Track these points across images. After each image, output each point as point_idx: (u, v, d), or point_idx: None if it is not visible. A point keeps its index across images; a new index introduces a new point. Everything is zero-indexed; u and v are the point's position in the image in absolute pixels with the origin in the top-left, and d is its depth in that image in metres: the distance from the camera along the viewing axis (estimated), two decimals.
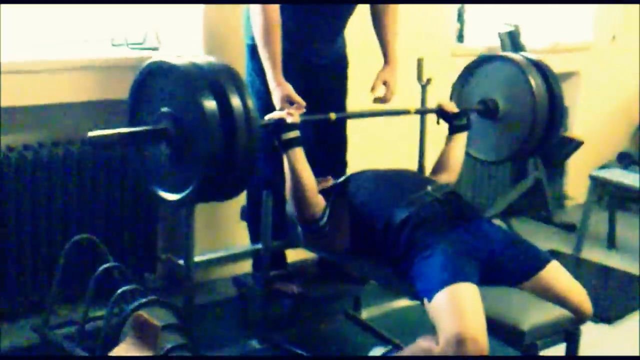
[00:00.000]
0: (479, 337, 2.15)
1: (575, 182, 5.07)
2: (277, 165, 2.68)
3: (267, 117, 2.61)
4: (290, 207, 2.73)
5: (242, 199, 3.04)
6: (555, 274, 2.48)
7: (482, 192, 4.59)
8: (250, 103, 2.33)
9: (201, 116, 2.24)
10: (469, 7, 4.46)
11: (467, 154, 3.16)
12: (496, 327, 2.28)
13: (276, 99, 2.76)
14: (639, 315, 3.54)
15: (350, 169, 3.08)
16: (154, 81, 2.42)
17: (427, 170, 3.20)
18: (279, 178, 2.71)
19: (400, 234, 2.50)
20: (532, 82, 3.09)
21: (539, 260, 2.51)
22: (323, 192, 2.70)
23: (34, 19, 3.15)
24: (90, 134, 2.27)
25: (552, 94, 3.12)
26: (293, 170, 2.60)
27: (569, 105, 4.80)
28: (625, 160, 5.12)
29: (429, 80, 3.34)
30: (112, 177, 3.19)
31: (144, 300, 2.41)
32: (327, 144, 3.14)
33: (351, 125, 3.26)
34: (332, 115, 2.83)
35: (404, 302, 3.30)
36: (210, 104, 2.25)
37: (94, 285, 2.59)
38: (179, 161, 2.37)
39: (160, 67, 2.40)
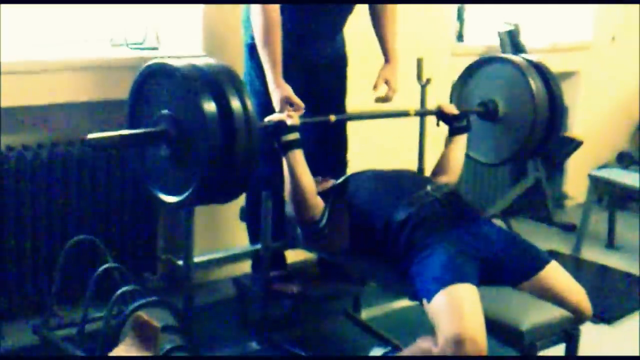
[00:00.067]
0: (478, 338, 2.15)
1: (575, 182, 5.07)
2: (277, 165, 2.68)
3: (267, 119, 2.61)
4: (289, 208, 2.73)
5: (241, 199, 3.04)
6: (555, 274, 2.48)
7: (481, 192, 4.59)
8: (250, 105, 2.32)
9: (201, 118, 2.24)
10: (468, 7, 4.46)
11: (467, 156, 3.16)
12: (495, 328, 2.28)
13: (275, 100, 2.76)
14: (639, 316, 3.54)
15: (350, 170, 3.08)
16: (154, 83, 2.42)
17: (427, 172, 3.20)
18: (278, 179, 2.71)
19: (399, 234, 2.50)
20: (532, 84, 3.09)
21: (538, 260, 2.51)
22: (322, 193, 2.70)
23: (33, 19, 3.15)
24: (90, 136, 2.27)
25: (552, 96, 3.12)
26: (292, 173, 2.60)
27: (569, 105, 4.80)
28: (625, 160, 5.12)
29: (428, 80, 3.34)
30: (111, 177, 3.19)
31: (143, 301, 2.41)
32: (327, 143, 3.14)
33: (351, 126, 3.26)
34: (332, 117, 2.82)
35: (403, 303, 3.30)
36: (210, 106, 2.25)
37: (94, 286, 2.59)
38: (178, 163, 2.37)
39: (160, 69, 2.40)
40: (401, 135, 3.60)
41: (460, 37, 4.44)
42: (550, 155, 4.58)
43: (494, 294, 2.40)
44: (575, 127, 5.02)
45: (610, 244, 4.50)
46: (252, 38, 2.85)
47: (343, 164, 3.25)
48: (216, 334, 3.09)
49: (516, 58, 3.24)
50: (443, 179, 2.91)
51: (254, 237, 3.16)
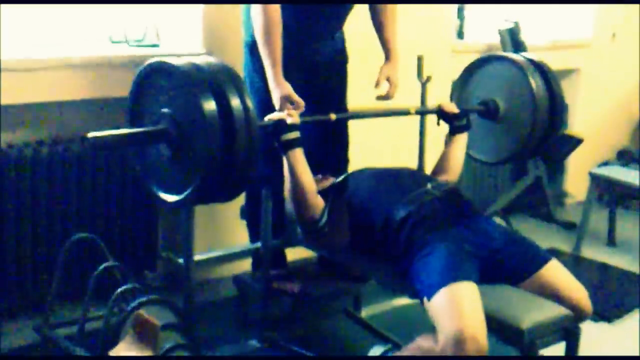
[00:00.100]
0: (479, 336, 2.15)
1: (575, 180, 5.07)
2: (276, 163, 2.68)
3: (267, 117, 2.61)
4: (289, 206, 2.73)
5: (241, 198, 3.04)
6: (555, 272, 2.48)
7: (482, 190, 4.59)
8: (250, 104, 2.32)
9: (201, 117, 2.24)
10: (469, 4, 4.45)
11: (468, 155, 3.16)
12: (496, 326, 2.28)
13: (275, 99, 2.76)
14: (639, 314, 3.54)
15: (351, 168, 3.08)
16: (154, 82, 2.42)
17: (427, 171, 3.20)
18: (278, 177, 2.71)
19: (399, 232, 2.50)
20: (533, 83, 3.08)
21: (538, 258, 2.51)
22: (322, 192, 2.70)
23: (33, 16, 3.14)
24: (90, 135, 2.27)
25: (553, 95, 3.11)
26: (293, 172, 2.60)
27: (569, 103, 4.80)
28: (625, 157, 5.14)
29: (429, 78, 3.34)
30: (112, 175, 3.19)
31: (143, 299, 2.40)
32: (328, 141, 3.14)
33: (351, 125, 3.25)
34: (333, 116, 2.82)
35: (403, 301, 3.30)
36: (210, 105, 2.25)
37: (94, 284, 2.59)
38: (178, 162, 2.37)
39: (160, 68, 2.39)
40: (401, 133, 3.60)
41: (460, 35, 4.44)
42: (551, 153, 4.57)
43: (494, 292, 2.40)
44: (575, 124, 5.02)
45: (611, 242, 4.50)
46: (252, 36, 2.85)
47: (344, 161, 3.25)
48: (216, 333, 3.09)
49: (517, 57, 3.24)
50: (443, 178, 2.90)
51: (254, 236, 3.17)
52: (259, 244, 2.95)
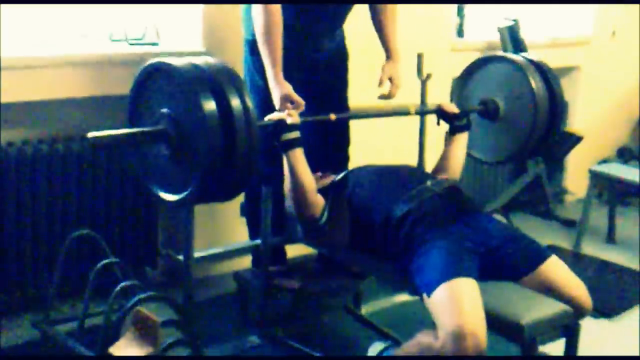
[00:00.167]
0: (478, 332, 2.15)
1: (575, 177, 5.07)
2: (276, 161, 2.68)
3: (267, 117, 2.61)
4: (289, 204, 2.73)
5: (241, 195, 3.04)
6: (555, 269, 2.48)
7: (482, 187, 4.59)
8: (250, 103, 2.32)
9: (200, 117, 2.24)
10: (468, 3, 4.45)
11: (468, 155, 3.16)
12: (496, 322, 2.28)
13: (276, 98, 2.76)
14: (639, 310, 3.55)
15: (350, 166, 3.08)
16: (154, 82, 2.42)
17: (427, 171, 3.19)
18: (277, 174, 2.71)
19: (399, 229, 2.51)
20: (533, 83, 3.09)
21: (538, 255, 2.51)
22: (322, 190, 2.70)
23: (32, 14, 3.14)
24: (90, 134, 2.27)
25: (553, 95, 3.11)
26: (293, 172, 2.60)
27: (569, 101, 4.80)
28: (625, 155, 5.14)
29: (428, 76, 3.34)
30: (111, 172, 3.19)
31: (143, 295, 2.40)
32: (329, 138, 3.14)
33: (351, 123, 3.25)
34: (333, 116, 2.82)
35: (403, 298, 3.30)
36: (210, 105, 2.25)
37: (94, 281, 2.59)
38: (178, 162, 2.37)
39: (160, 68, 2.39)
40: (401, 133, 3.60)
41: (460, 33, 4.44)
42: (551, 151, 4.57)
43: (495, 288, 2.40)
44: (575, 122, 5.01)
45: (611, 239, 4.50)
46: (253, 34, 2.85)
47: (345, 159, 3.25)
48: (216, 329, 3.09)
49: (517, 57, 3.24)
50: (444, 177, 2.90)
51: (254, 233, 3.17)
52: (258, 241, 2.95)
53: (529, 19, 4.66)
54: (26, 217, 3.00)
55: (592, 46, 5.10)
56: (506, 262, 2.48)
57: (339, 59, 3.18)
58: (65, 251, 2.76)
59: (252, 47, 2.93)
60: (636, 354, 3.13)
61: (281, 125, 2.59)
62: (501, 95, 3.20)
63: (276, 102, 2.76)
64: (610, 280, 3.95)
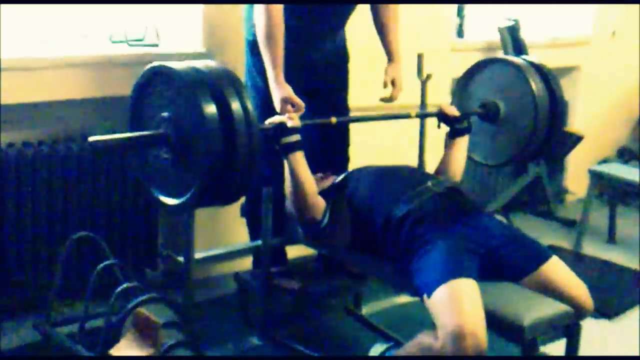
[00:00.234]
0: (478, 332, 2.15)
1: (576, 177, 5.07)
2: (277, 162, 2.68)
3: (268, 121, 2.61)
4: (289, 204, 2.73)
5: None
6: (556, 269, 2.48)
7: (482, 187, 4.59)
8: (251, 107, 2.32)
9: (201, 121, 2.24)
10: (469, 3, 4.45)
11: (469, 158, 3.16)
12: (497, 323, 2.28)
13: (276, 100, 2.76)
14: (639, 311, 3.55)
15: (350, 167, 3.08)
16: (155, 86, 2.42)
17: None
18: (277, 174, 2.71)
19: (400, 229, 2.50)
20: (533, 86, 3.09)
21: (539, 255, 2.51)
22: (322, 192, 2.70)
23: (33, 15, 3.14)
24: (91, 138, 2.27)
25: (553, 97, 3.11)
26: (293, 175, 2.60)
27: (569, 100, 4.79)
28: (625, 155, 5.14)
29: (428, 76, 3.34)
30: (112, 174, 3.19)
31: (144, 297, 2.40)
32: (329, 139, 3.14)
33: (351, 126, 3.25)
34: (333, 120, 2.81)
35: (404, 298, 3.30)
36: (210, 109, 2.25)
37: (95, 283, 2.59)
38: (179, 166, 2.37)
39: (161, 72, 2.39)
40: (401, 135, 3.60)
41: (460, 33, 4.44)
42: (551, 151, 4.57)
43: (495, 288, 2.40)
44: (575, 122, 5.01)
45: (611, 239, 4.50)
46: (254, 34, 2.85)
47: (345, 160, 3.25)
48: (217, 330, 3.09)
49: (517, 59, 3.24)
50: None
51: (254, 234, 3.17)
52: (259, 242, 2.95)
53: (529, 19, 4.66)
54: (26, 218, 3.00)
55: (592, 46, 5.10)
56: (507, 262, 2.48)
57: (340, 60, 3.18)
58: (66, 253, 2.76)
59: (253, 47, 2.92)
60: (637, 354, 3.12)
61: (282, 129, 2.59)
62: (502, 98, 3.20)
63: (276, 104, 2.76)
64: (610, 280, 3.95)
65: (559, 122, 3.17)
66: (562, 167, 5.11)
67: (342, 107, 3.19)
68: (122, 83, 2.66)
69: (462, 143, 3.03)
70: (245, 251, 3.22)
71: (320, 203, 2.66)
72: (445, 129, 3.07)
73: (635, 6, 5.19)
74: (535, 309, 2.34)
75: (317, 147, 2.98)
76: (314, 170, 2.71)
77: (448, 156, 3.01)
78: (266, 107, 2.77)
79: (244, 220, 3.26)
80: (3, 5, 2.97)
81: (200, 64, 2.40)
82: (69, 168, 3.07)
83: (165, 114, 2.36)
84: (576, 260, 4.09)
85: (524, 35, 4.38)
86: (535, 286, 2.44)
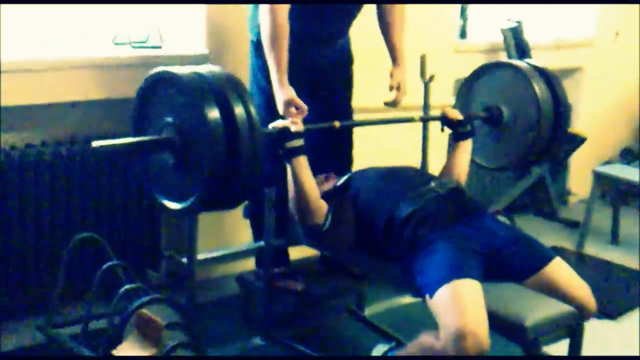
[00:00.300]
0: (480, 332, 2.15)
1: (579, 178, 5.07)
2: (279, 163, 2.68)
3: (271, 125, 2.61)
4: (292, 206, 2.73)
5: None
6: (559, 270, 2.48)
7: (485, 188, 4.59)
8: (254, 112, 2.32)
9: (205, 126, 2.24)
10: (471, 4, 4.45)
11: (473, 161, 3.15)
12: (499, 323, 2.28)
13: (279, 102, 2.75)
14: None
15: (354, 169, 3.08)
16: (159, 91, 2.42)
17: None
18: (281, 176, 2.71)
19: (403, 230, 2.50)
20: (537, 90, 3.08)
21: (542, 256, 2.51)
22: (325, 194, 2.69)
23: (35, 17, 3.15)
24: (94, 143, 2.27)
25: (557, 101, 3.11)
26: (296, 179, 2.60)
27: (572, 102, 4.78)
28: (628, 156, 5.13)
29: (431, 77, 3.34)
30: (115, 175, 3.19)
31: (147, 298, 2.41)
32: (333, 140, 3.13)
33: (355, 128, 3.25)
34: (337, 124, 2.81)
35: (407, 299, 3.30)
36: (214, 114, 2.25)
37: (98, 284, 2.59)
38: (182, 171, 2.37)
39: (164, 77, 2.39)
40: (404, 137, 3.60)
41: (463, 34, 4.44)
42: (554, 153, 4.57)
43: (498, 289, 2.40)
44: (578, 123, 5.01)
45: (614, 239, 4.50)
46: (258, 35, 2.85)
47: (348, 161, 3.25)
48: (220, 331, 3.09)
49: (520, 63, 3.23)
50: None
51: (257, 234, 3.17)
52: (262, 243, 2.95)
53: (532, 20, 4.66)
54: (29, 220, 3.01)
55: (595, 47, 5.09)
56: (510, 263, 2.48)
57: (344, 63, 3.17)
58: (69, 254, 2.76)
59: (257, 48, 2.92)
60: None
61: (285, 133, 2.59)
62: (505, 102, 3.19)
63: (279, 106, 2.75)
64: (613, 281, 3.94)
65: (562, 126, 3.16)
66: (565, 168, 5.11)
67: (346, 109, 3.19)
68: (125, 85, 2.67)
69: (466, 146, 3.03)
70: (247, 252, 3.22)
71: (322, 207, 2.66)
72: (448, 131, 3.06)
73: (638, 7, 5.18)
74: (537, 310, 2.34)
75: (321, 150, 2.98)
76: (317, 172, 2.71)
77: (451, 159, 3.00)
78: (271, 108, 2.77)
79: (246, 221, 3.26)
80: (5, 6, 2.97)
81: (203, 69, 2.40)
82: (71, 170, 3.07)
83: (169, 119, 2.36)
84: (579, 261, 4.10)
85: (527, 36, 4.38)
86: (538, 287, 2.44)
